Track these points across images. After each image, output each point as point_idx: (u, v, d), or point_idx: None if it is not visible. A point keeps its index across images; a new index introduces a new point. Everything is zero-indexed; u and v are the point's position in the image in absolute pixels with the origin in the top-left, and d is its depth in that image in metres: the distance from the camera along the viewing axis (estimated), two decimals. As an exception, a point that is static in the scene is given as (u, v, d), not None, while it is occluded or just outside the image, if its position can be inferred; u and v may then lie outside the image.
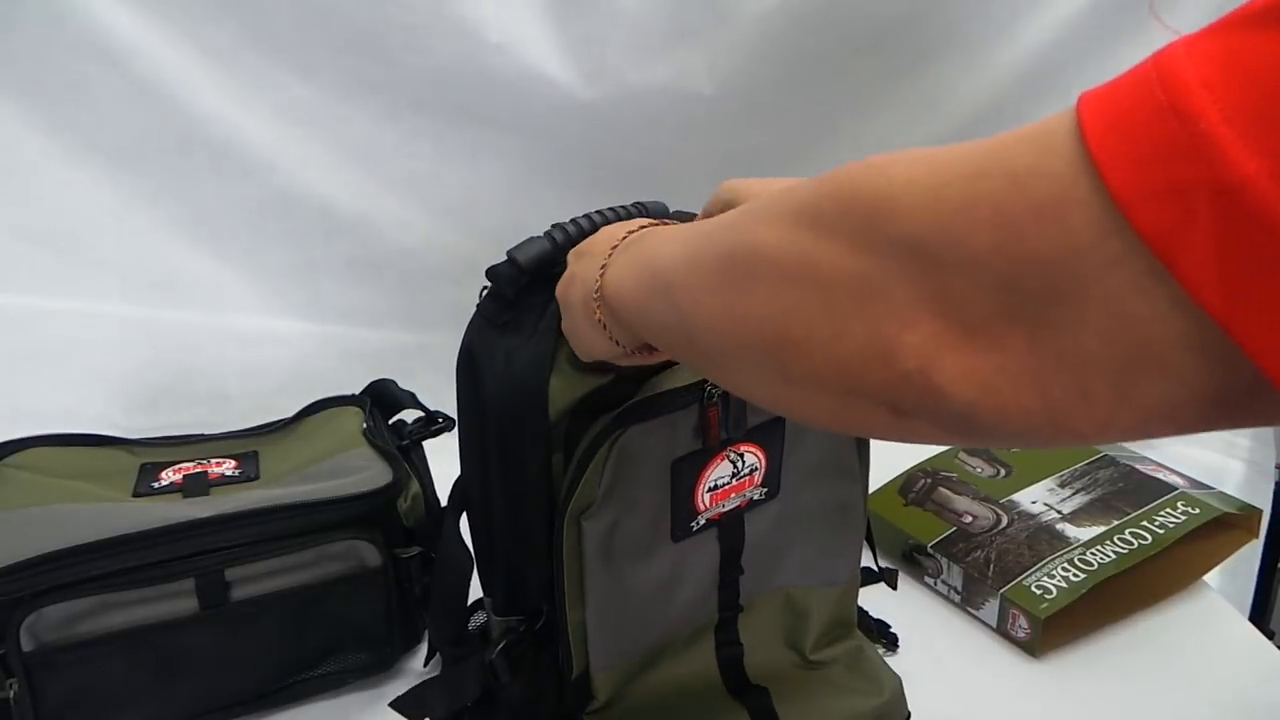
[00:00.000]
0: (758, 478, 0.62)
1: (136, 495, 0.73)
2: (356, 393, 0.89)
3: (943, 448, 0.99)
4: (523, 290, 0.56)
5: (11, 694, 0.62)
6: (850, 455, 0.66)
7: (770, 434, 0.61)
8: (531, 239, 0.56)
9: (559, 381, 0.55)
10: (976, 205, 0.25)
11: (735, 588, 0.64)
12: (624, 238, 0.46)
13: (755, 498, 0.63)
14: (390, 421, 0.86)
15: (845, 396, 0.30)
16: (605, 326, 0.46)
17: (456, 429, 0.61)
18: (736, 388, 0.39)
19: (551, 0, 1.02)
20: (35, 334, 1.04)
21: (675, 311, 0.38)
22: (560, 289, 0.52)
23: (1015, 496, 0.92)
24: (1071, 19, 1.00)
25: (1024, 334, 0.25)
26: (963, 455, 1.01)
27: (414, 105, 1.06)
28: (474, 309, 0.58)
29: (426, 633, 0.76)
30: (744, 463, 0.61)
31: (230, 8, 0.98)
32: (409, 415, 0.86)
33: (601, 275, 0.45)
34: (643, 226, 0.47)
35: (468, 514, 0.62)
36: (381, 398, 0.88)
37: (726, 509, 0.61)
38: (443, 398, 0.82)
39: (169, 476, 0.76)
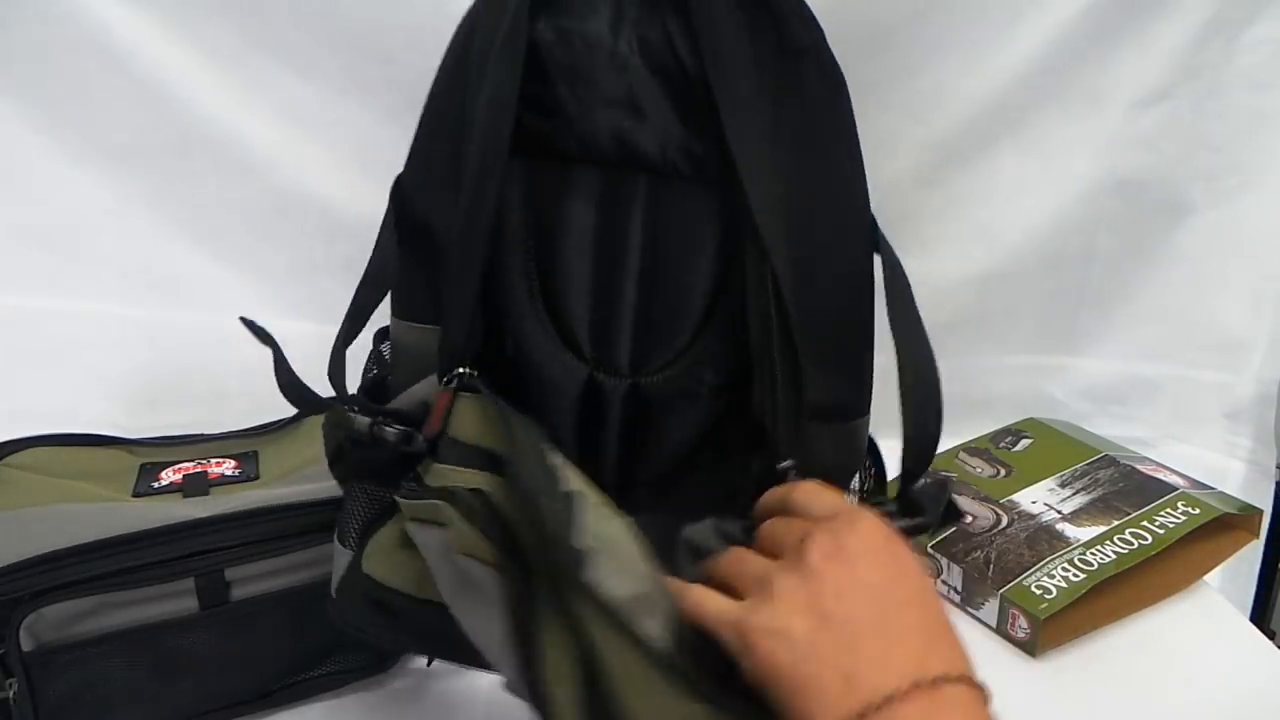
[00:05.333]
0: None
1: (136, 495, 0.73)
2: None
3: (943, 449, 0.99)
4: None
5: (11, 694, 0.62)
6: None
7: None
8: None
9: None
10: None
11: None
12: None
13: None
14: (390, 421, 0.86)
15: None
16: None
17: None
18: None
19: (551, 0, 1.02)
20: (35, 334, 1.04)
21: None
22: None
23: (1015, 496, 0.92)
24: (1071, 19, 1.00)
25: None
26: (963, 455, 1.01)
27: (414, 105, 1.05)
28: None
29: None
30: None
31: (230, 8, 0.98)
32: (409, 415, 0.86)
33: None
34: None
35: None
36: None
37: None
38: (443, 398, 0.82)
39: (169, 476, 0.76)
